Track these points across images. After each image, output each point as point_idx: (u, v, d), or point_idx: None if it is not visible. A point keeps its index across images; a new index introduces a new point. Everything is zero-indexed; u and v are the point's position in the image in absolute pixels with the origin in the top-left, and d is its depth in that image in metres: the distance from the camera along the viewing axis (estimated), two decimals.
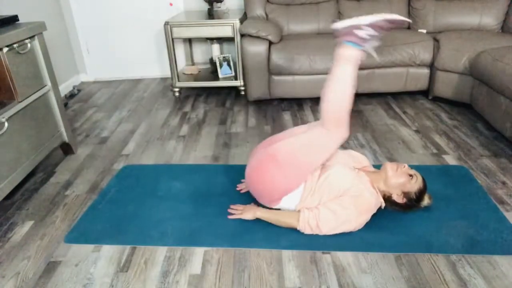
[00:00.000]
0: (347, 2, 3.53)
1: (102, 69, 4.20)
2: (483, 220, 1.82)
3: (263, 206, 1.90)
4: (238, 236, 1.78)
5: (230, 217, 1.90)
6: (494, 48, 2.75)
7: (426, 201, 1.85)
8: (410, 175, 1.78)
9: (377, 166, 2.28)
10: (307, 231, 1.75)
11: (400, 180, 1.78)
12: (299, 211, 1.78)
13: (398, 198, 1.81)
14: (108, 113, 3.31)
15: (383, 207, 1.83)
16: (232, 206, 1.97)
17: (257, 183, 1.82)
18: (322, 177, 1.77)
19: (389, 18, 1.64)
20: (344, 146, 2.56)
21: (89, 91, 3.89)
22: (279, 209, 1.87)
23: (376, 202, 1.77)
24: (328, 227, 1.72)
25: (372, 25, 1.64)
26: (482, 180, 2.13)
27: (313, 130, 1.80)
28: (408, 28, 3.49)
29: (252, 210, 1.87)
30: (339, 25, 1.69)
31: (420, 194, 1.80)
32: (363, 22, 1.65)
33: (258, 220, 1.86)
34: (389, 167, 1.82)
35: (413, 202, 1.81)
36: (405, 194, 1.80)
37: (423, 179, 1.82)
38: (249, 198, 2.03)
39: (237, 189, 2.13)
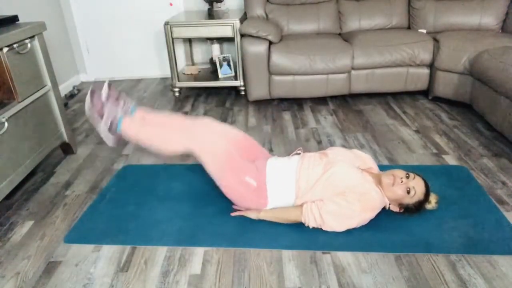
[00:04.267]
0: (347, 2, 3.53)
1: (102, 69, 4.19)
2: (483, 220, 1.82)
3: None
4: (238, 236, 1.78)
5: (233, 214, 1.91)
6: (494, 48, 2.75)
7: (431, 205, 1.83)
8: (408, 190, 1.73)
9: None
10: (311, 221, 1.74)
11: (395, 195, 1.75)
12: (302, 205, 1.79)
13: (394, 208, 1.82)
14: None
15: (387, 208, 1.82)
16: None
17: (234, 201, 1.93)
18: (327, 173, 1.77)
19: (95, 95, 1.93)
20: (345, 146, 2.56)
21: None
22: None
23: (381, 201, 1.77)
24: (331, 217, 1.72)
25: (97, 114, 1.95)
26: (482, 180, 2.13)
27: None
28: (408, 28, 3.49)
29: (256, 211, 1.88)
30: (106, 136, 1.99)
31: (420, 204, 1.77)
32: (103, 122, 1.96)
33: (258, 220, 1.86)
34: (385, 179, 1.77)
35: (411, 212, 1.80)
36: (402, 205, 1.79)
37: (426, 186, 1.77)
38: None
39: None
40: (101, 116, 1.93)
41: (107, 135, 1.95)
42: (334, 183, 1.75)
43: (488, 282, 1.50)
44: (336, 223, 1.73)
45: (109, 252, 1.74)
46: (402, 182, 1.74)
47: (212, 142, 1.87)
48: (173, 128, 1.97)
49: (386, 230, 1.77)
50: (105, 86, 1.99)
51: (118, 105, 1.97)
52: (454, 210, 1.89)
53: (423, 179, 1.78)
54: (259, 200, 1.84)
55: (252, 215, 1.87)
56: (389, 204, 1.81)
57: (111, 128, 1.93)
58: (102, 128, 1.94)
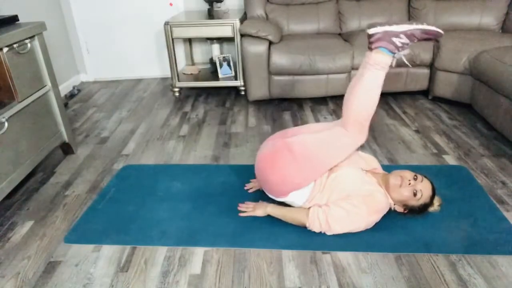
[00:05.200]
0: (347, 2, 3.53)
1: (102, 69, 4.20)
2: (483, 220, 1.82)
3: (272, 201, 1.91)
4: (238, 236, 1.78)
5: (241, 214, 1.90)
6: (494, 48, 2.75)
7: (434, 207, 1.82)
8: (415, 193, 1.72)
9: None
10: (315, 227, 1.73)
11: (402, 197, 1.74)
12: (309, 208, 1.77)
13: (398, 208, 1.81)
14: (108, 113, 3.31)
15: (393, 209, 1.81)
16: (241, 204, 1.96)
17: (268, 172, 1.79)
18: (331, 177, 1.77)
19: (425, 28, 1.65)
20: None
21: (89, 91, 3.89)
22: (286, 205, 1.87)
23: (386, 202, 1.76)
24: (338, 224, 1.71)
25: (406, 33, 1.65)
26: (482, 180, 2.13)
27: (334, 130, 1.78)
28: None
29: (263, 207, 1.88)
30: (376, 30, 1.69)
31: (424, 207, 1.77)
32: (399, 30, 1.66)
33: (258, 220, 1.86)
34: (392, 180, 1.76)
35: (415, 213, 1.80)
36: (407, 206, 1.78)
37: (433, 189, 1.76)
38: (251, 198, 2.03)
39: (245, 188, 2.12)
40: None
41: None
42: (338, 187, 1.75)
43: (488, 282, 1.50)
44: (342, 229, 1.73)
45: (109, 252, 1.74)
46: (409, 184, 1.73)
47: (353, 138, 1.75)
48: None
49: (386, 230, 1.77)
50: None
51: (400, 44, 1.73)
52: (454, 210, 1.89)
53: (430, 181, 1.77)
54: (284, 193, 1.81)
55: (259, 212, 1.87)
56: (394, 205, 1.81)
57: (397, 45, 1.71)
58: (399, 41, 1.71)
